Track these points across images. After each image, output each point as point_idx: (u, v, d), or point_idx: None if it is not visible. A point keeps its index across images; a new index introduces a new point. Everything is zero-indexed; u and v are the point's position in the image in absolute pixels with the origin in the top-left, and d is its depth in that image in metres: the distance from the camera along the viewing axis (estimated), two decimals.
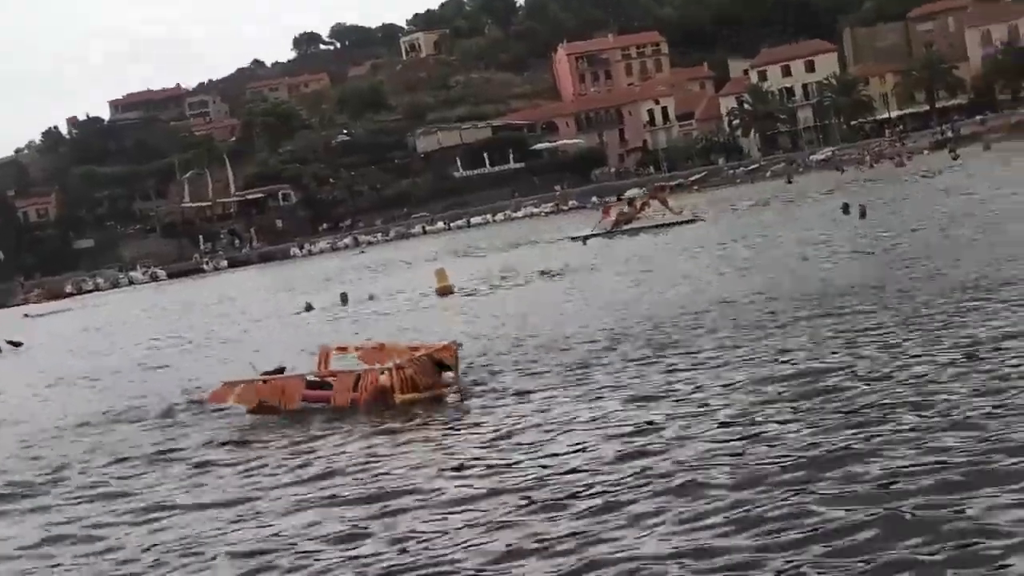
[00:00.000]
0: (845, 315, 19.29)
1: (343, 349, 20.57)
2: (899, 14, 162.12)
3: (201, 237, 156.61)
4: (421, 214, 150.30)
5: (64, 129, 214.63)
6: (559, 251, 55.22)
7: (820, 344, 16.89)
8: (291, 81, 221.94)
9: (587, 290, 32.77)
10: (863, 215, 42.08)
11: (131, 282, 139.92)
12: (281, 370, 20.22)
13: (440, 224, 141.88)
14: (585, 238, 61.36)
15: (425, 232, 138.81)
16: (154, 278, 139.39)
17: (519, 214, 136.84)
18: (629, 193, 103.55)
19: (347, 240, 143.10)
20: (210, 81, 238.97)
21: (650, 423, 13.52)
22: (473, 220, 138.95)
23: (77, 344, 48.17)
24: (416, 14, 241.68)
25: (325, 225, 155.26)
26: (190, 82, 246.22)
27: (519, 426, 14.57)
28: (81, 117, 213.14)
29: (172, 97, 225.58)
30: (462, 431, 15.11)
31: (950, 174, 67.75)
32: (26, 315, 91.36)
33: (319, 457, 14.77)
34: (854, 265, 27.40)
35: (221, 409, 19.51)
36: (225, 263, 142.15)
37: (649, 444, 12.57)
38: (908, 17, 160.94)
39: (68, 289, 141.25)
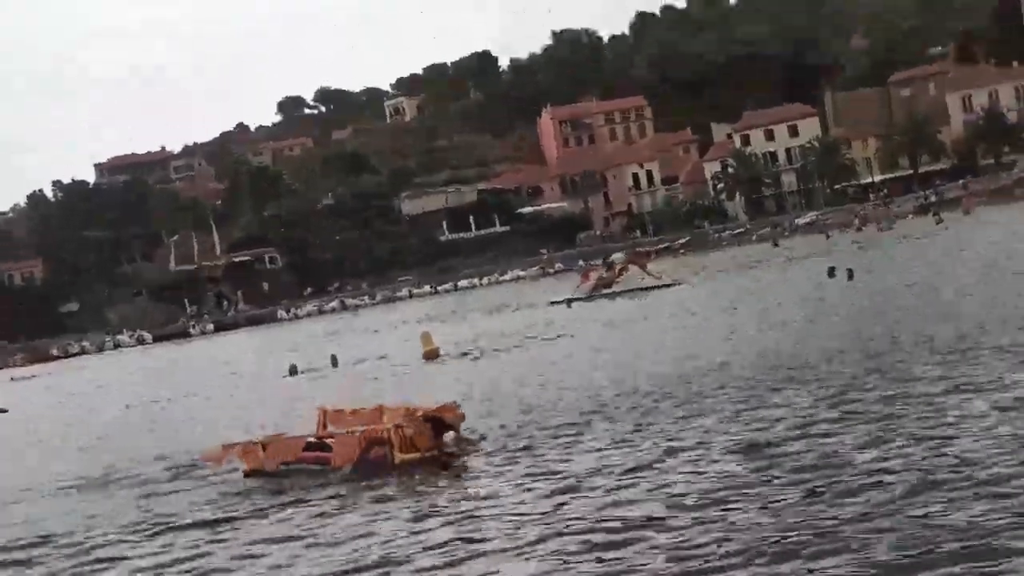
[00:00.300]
0: (831, 380, 19.36)
1: (340, 411, 20.25)
2: (880, 79, 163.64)
3: (187, 300, 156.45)
4: (407, 277, 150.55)
5: (49, 192, 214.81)
6: (543, 315, 55.32)
7: (809, 412, 16.92)
8: (276, 145, 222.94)
9: (574, 354, 32.86)
10: (850, 278, 42.29)
11: (117, 346, 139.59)
12: (280, 434, 20.08)
13: (427, 287, 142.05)
14: (569, 301, 61.57)
15: (411, 296, 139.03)
16: (140, 341, 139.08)
17: (506, 277, 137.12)
18: (615, 257, 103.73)
19: (334, 303, 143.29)
20: (195, 144, 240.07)
21: (639, 493, 13.57)
22: (460, 284, 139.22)
23: (64, 407, 48.04)
24: (399, 78, 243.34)
25: (311, 289, 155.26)
26: (175, 145, 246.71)
27: (511, 492, 14.56)
28: (66, 180, 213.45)
29: (157, 160, 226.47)
30: (454, 497, 15.07)
31: (935, 238, 68.31)
32: (12, 379, 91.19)
33: (307, 525, 14.67)
34: (841, 328, 27.50)
35: (216, 472, 19.41)
36: (211, 327, 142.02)
37: (641, 514, 12.63)
38: (889, 82, 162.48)
39: (54, 352, 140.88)
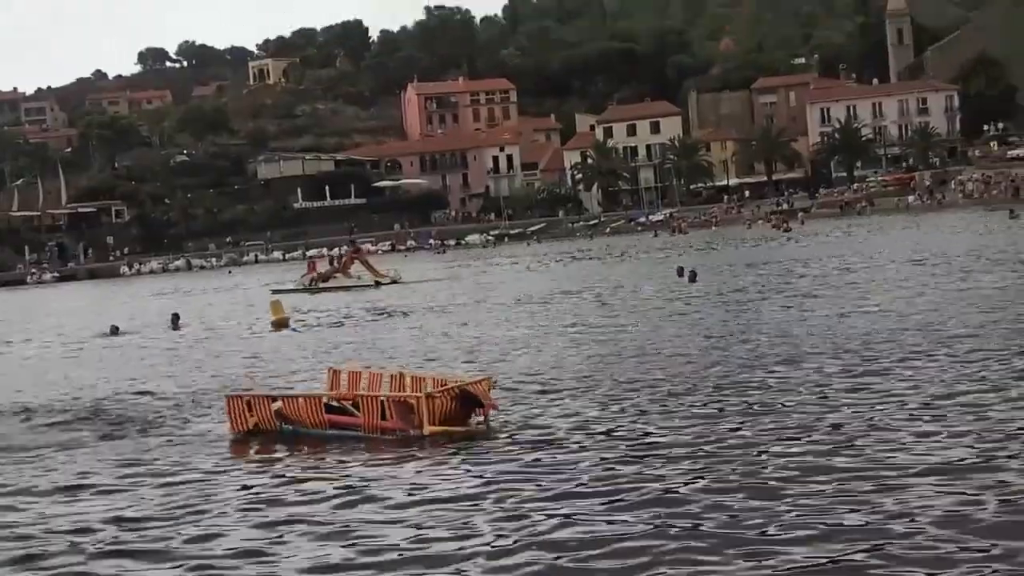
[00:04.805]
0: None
1: (356, 373, 18.62)
2: (744, 83, 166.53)
3: (27, 248, 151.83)
4: (256, 242, 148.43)
5: None
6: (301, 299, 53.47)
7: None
8: (133, 96, 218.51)
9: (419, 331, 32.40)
10: (693, 279, 42.33)
11: None
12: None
13: (277, 254, 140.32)
14: (289, 291, 60.91)
15: (257, 261, 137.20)
16: None
17: None
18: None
19: (179, 262, 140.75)
20: (49, 88, 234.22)
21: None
22: (310, 253, 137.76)
23: None
24: (267, 39, 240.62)
25: (158, 244, 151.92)
26: (28, 87, 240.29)
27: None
28: None
29: (8, 100, 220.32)
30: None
31: (781, 244, 69.53)
32: None
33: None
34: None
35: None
36: (51, 276, 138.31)
37: None
38: (752, 88, 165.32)
39: None
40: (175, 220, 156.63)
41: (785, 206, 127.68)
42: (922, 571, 8.97)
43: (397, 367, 19.78)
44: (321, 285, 62.71)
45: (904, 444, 12.99)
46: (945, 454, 12.40)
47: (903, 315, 25.60)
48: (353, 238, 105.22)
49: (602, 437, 14.76)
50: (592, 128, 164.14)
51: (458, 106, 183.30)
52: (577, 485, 12.35)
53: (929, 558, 9.23)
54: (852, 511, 10.59)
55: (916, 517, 10.25)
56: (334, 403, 17.07)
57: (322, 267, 68.96)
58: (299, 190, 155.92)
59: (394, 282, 61.15)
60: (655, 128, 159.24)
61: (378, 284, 60.41)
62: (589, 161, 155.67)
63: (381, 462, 14.58)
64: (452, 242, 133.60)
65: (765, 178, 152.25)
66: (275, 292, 60.10)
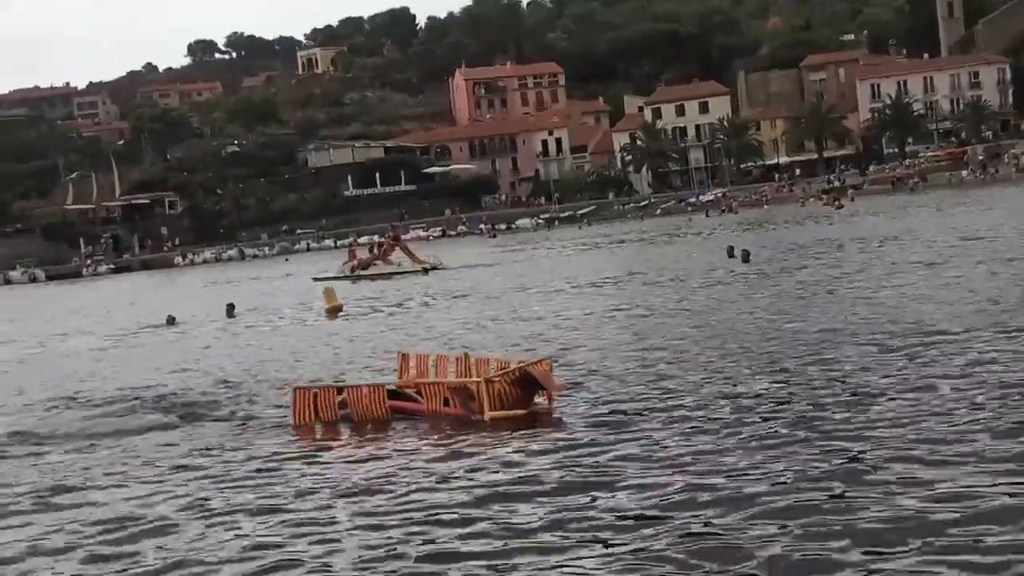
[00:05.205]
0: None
1: (423, 357, 18.84)
2: (792, 61, 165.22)
3: (82, 240, 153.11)
4: (308, 230, 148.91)
5: None
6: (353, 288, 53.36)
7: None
8: (183, 88, 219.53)
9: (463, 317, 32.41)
10: (746, 259, 42.01)
11: (8, 281, 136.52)
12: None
13: (328, 241, 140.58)
14: (331, 279, 60.61)
15: (309, 249, 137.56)
16: (32, 279, 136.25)
17: (407, 236, 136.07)
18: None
19: (232, 252, 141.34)
20: (100, 82, 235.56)
21: None
22: (361, 240, 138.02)
23: None
24: (315, 29, 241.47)
25: (212, 234, 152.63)
26: (80, 81, 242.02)
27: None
28: None
29: (60, 95, 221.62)
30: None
31: (833, 222, 68.92)
32: None
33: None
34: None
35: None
36: (106, 268, 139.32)
37: None
38: (801, 66, 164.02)
39: None
40: (227, 210, 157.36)
41: (837, 183, 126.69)
42: None
43: (462, 350, 19.85)
44: (360, 272, 62.76)
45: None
46: None
47: (972, 291, 25.32)
48: (396, 224, 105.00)
49: (663, 420, 14.73)
50: (640, 110, 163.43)
51: (506, 90, 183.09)
52: (639, 470, 12.31)
53: None
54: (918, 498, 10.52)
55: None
56: (399, 389, 17.17)
57: (362, 254, 68.87)
58: (349, 178, 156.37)
59: (435, 268, 61.04)
60: (704, 108, 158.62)
61: (426, 271, 60.31)
62: (638, 143, 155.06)
63: (442, 447, 14.62)
64: (503, 226, 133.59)
65: (816, 156, 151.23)
66: (315, 280, 60.31)
